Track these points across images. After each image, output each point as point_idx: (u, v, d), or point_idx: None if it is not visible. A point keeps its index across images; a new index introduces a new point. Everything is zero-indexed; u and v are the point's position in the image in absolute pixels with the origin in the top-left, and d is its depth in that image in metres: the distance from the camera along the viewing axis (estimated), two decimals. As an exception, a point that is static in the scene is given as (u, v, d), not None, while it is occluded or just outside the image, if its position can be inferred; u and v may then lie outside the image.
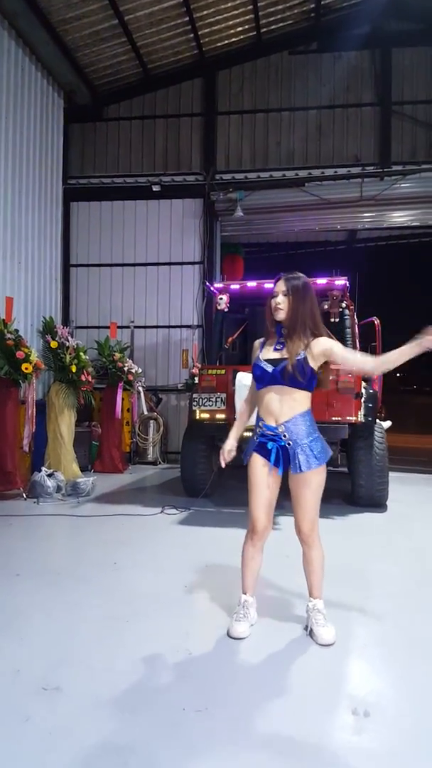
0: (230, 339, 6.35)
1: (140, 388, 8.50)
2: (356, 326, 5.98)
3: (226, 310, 5.97)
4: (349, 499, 5.56)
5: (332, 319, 5.65)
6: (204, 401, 5.17)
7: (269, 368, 2.46)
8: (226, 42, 9.34)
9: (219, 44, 9.35)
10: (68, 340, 6.66)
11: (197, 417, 5.22)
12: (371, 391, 5.38)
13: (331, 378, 2.71)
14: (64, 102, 9.12)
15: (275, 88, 9.53)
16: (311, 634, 2.52)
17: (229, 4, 8.53)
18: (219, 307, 5.97)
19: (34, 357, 5.81)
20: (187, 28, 8.77)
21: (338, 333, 5.71)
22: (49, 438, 6.43)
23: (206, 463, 5.58)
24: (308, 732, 1.84)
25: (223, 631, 2.54)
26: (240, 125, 9.59)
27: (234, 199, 8.99)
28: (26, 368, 5.66)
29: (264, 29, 9.24)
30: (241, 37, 9.32)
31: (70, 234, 9.58)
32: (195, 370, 7.58)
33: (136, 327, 9.39)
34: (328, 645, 2.44)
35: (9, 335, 5.75)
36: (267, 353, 2.53)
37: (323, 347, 2.46)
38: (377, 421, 5.41)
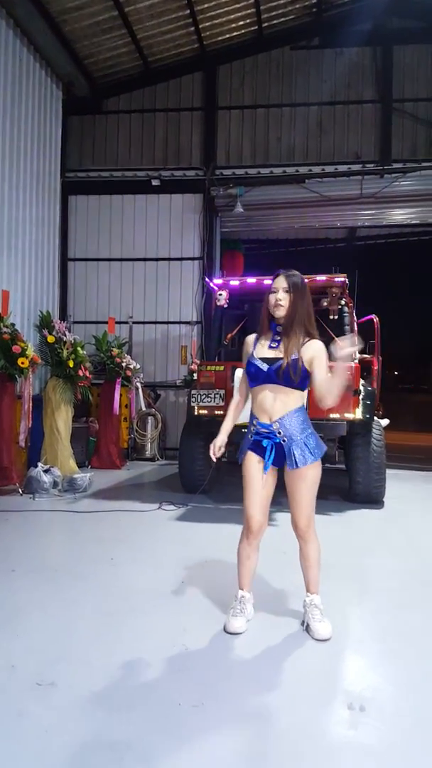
0: (229, 335, 6.32)
1: (138, 384, 8.47)
2: (355, 323, 5.97)
3: (225, 306, 5.95)
4: (346, 496, 5.56)
5: (331, 316, 5.64)
6: (203, 397, 5.15)
7: (264, 367, 2.44)
8: (227, 36, 9.28)
9: (220, 38, 9.29)
10: (65, 335, 6.63)
11: (196, 413, 5.20)
12: (369, 388, 5.37)
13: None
14: (63, 94, 9.04)
15: (276, 84, 9.48)
16: (308, 629, 2.51)
17: (231, -2, 8.48)
18: (218, 303, 5.94)
19: (31, 351, 5.78)
20: (188, 21, 8.70)
21: (337, 330, 5.71)
22: (46, 433, 6.41)
23: (204, 459, 5.56)
24: (304, 727, 1.84)
25: (220, 627, 2.54)
26: (240, 120, 9.54)
27: (234, 194, 8.95)
28: (22, 363, 5.63)
29: (265, 24, 9.19)
30: (243, 31, 9.26)
31: (68, 228, 9.52)
32: (194, 367, 7.56)
33: (134, 323, 9.35)
34: (324, 640, 2.44)
35: (5, 329, 5.73)
36: (261, 351, 2.50)
37: (312, 354, 2.44)
38: (375, 418, 5.41)
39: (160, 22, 8.63)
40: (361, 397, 5.02)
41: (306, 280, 2.60)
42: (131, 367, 7.97)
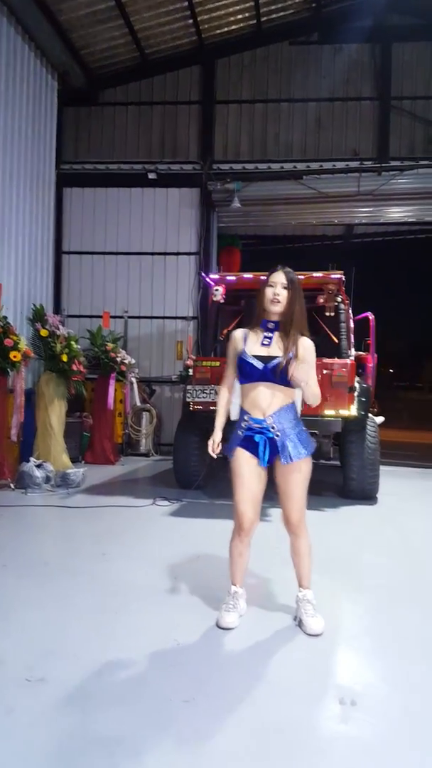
0: (225, 331, 6.30)
1: (133, 379, 8.43)
2: (351, 321, 5.96)
3: (221, 301, 5.91)
4: (340, 492, 5.57)
5: (327, 314, 5.62)
6: (198, 393, 5.13)
7: (259, 365, 2.43)
8: (226, 30, 9.22)
9: (218, 31, 9.21)
10: (59, 329, 6.57)
11: (191, 409, 5.18)
12: (364, 385, 5.37)
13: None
14: (58, 84, 8.93)
15: (274, 79, 9.43)
16: (300, 624, 2.51)
17: (230, -9, 8.42)
18: (214, 299, 5.91)
19: (23, 345, 5.73)
20: (187, 13, 8.63)
21: (333, 327, 5.70)
22: (39, 428, 6.36)
23: (199, 454, 5.55)
24: (296, 721, 1.83)
25: (213, 622, 2.53)
26: (239, 115, 9.49)
27: (231, 189, 8.90)
28: (15, 356, 5.58)
29: (264, 18, 9.12)
30: (241, 25, 9.19)
31: (63, 220, 9.44)
32: (189, 362, 7.52)
33: (129, 317, 9.30)
34: (316, 635, 2.43)
35: (-2, 322, 5.66)
36: (254, 348, 2.48)
37: (302, 353, 2.45)
38: (370, 415, 5.41)
39: (158, 14, 8.55)
40: (356, 394, 5.02)
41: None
42: (126, 362, 7.92)
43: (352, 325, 5.94)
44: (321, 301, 5.58)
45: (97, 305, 9.25)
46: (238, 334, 2.57)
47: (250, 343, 2.50)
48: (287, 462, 2.45)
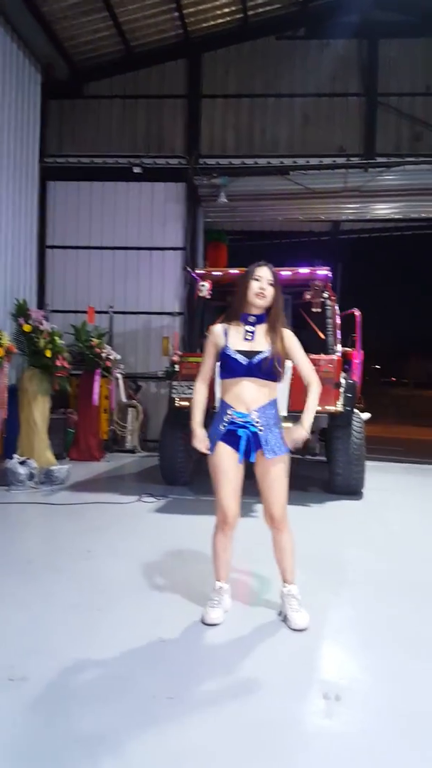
0: (210, 327, 6.26)
1: (119, 375, 8.37)
2: (337, 317, 5.97)
3: (207, 297, 5.88)
4: (326, 487, 5.59)
5: (314, 309, 5.63)
6: (184, 389, 5.09)
7: (243, 360, 2.41)
8: (212, 23, 9.15)
9: (204, 25, 9.15)
10: (42, 324, 6.49)
11: (177, 405, 5.15)
12: (350, 381, 5.39)
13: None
14: (42, 76, 8.80)
15: (261, 74, 9.39)
16: (285, 619, 2.50)
17: (215, -16, 8.35)
18: (200, 294, 5.87)
19: (6, 340, 5.64)
20: (172, 6, 8.55)
21: (319, 323, 5.70)
22: (22, 425, 6.28)
23: (185, 451, 5.52)
24: (280, 717, 1.82)
25: (197, 618, 2.51)
26: (225, 109, 9.43)
27: (218, 184, 8.85)
28: (-2, 351, 5.49)
29: (251, 12, 9.07)
30: (228, 18, 9.13)
31: (47, 214, 9.31)
32: (175, 358, 7.48)
33: (115, 312, 9.22)
34: (301, 630, 2.42)
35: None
36: (236, 342, 2.46)
37: (288, 345, 2.49)
38: (356, 411, 5.43)
39: (143, 6, 8.46)
40: (342, 390, 5.02)
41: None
42: (111, 357, 7.86)
43: (338, 321, 5.95)
44: (307, 297, 5.59)
45: (81, 300, 9.14)
46: (218, 329, 2.54)
47: (231, 337, 2.48)
48: (271, 456, 2.44)
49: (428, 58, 9.11)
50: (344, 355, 5.97)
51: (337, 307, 5.96)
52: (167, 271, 9.23)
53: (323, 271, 5.48)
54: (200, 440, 2.55)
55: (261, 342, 2.45)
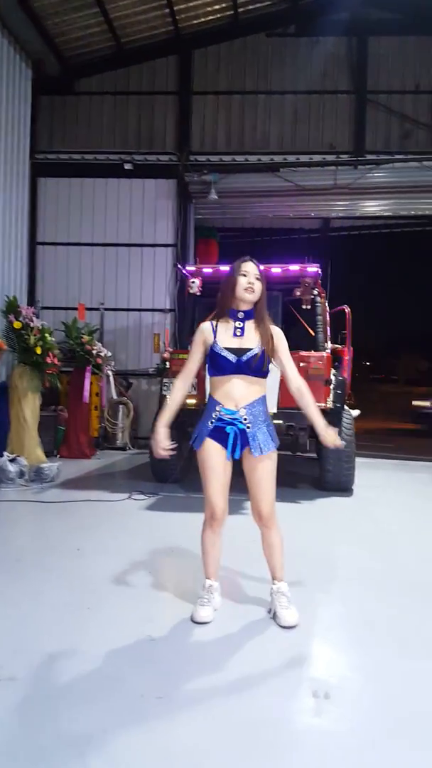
0: (200, 324, 6.25)
1: (110, 372, 8.34)
2: (327, 314, 5.98)
3: (198, 293, 5.87)
4: (316, 484, 5.61)
5: (304, 306, 5.63)
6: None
7: (232, 358, 2.41)
8: (203, 20, 9.11)
9: (195, 21, 9.11)
10: (33, 321, 6.45)
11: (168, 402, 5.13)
12: (340, 378, 5.41)
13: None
14: (33, 72, 8.74)
15: (252, 71, 9.37)
16: (274, 616, 2.50)
17: (206, -19, 8.31)
18: (191, 291, 5.86)
19: (-3, 337, 5.60)
20: (163, 2, 8.51)
21: (309, 320, 5.71)
22: (12, 422, 6.24)
23: (176, 448, 5.50)
24: (269, 716, 1.82)
25: (187, 616, 2.51)
26: (216, 106, 9.41)
27: (208, 181, 8.83)
28: (-12, 349, 5.45)
29: (241, 9, 9.05)
30: (218, 15, 9.10)
31: (37, 211, 9.24)
32: (166, 355, 7.47)
33: (106, 309, 9.18)
34: (290, 627, 2.43)
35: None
36: (225, 340, 2.45)
37: (276, 342, 2.49)
38: (345, 407, 5.45)
39: (134, 2, 8.41)
40: (332, 386, 5.04)
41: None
42: (102, 354, 7.83)
43: (328, 318, 5.97)
44: (297, 293, 5.59)
45: (72, 297, 9.10)
46: (207, 326, 2.53)
47: (220, 334, 2.47)
48: (258, 454, 2.44)
49: (418, 56, 9.15)
50: (334, 352, 5.99)
51: (327, 304, 5.98)
52: (158, 268, 9.21)
53: (313, 268, 5.49)
54: (159, 442, 2.51)
55: (251, 338, 2.45)
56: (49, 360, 6.45)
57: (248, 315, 2.49)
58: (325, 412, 4.95)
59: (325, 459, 5.33)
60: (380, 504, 5.27)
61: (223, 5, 8.92)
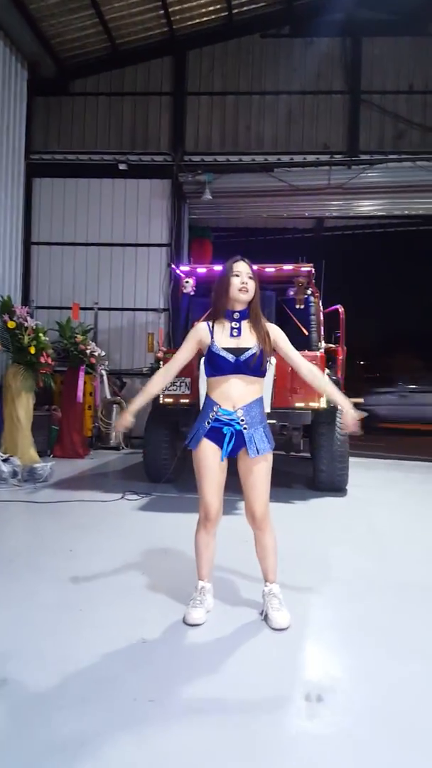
0: (196, 323, 6.25)
1: (103, 372, 8.33)
2: (321, 313, 6.00)
3: (192, 293, 5.87)
4: (310, 484, 5.61)
5: (297, 306, 5.64)
6: (168, 386, 5.08)
7: (230, 358, 2.41)
8: (198, 21, 9.12)
9: (190, 23, 9.11)
10: (27, 321, 6.43)
11: (161, 401, 5.14)
12: (334, 377, 5.42)
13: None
14: (28, 73, 8.72)
15: (246, 71, 9.38)
16: (266, 618, 2.50)
17: (200, -18, 8.32)
18: (185, 291, 5.86)
19: (-10, 337, 5.58)
20: (158, 4, 8.52)
21: (303, 320, 5.72)
22: (5, 422, 6.22)
23: (169, 447, 5.52)
24: (261, 719, 1.81)
25: (179, 618, 2.50)
26: (210, 107, 9.41)
27: (203, 181, 8.85)
28: (-19, 349, 5.43)
29: (236, 10, 9.06)
30: (213, 17, 9.11)
31: (32, 211, 9.23)
32: (160, 354, 7.46)
33: (100, 309, 9.17)
34: (282, 629, 2.42)
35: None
36: (222, 340, 2.45)
37: (274, 338, 2.50)
38: (339, 407, 5.45)
39: (129, 4, 8.42)
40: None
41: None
42: (96, 354, 7.81)
43: (321, 317, 5.98)
44: (291, 293, 5.60)
45: (66, 297, 9.08)
46: (203, 326, 2.52)
47: (217, 335, 2.47)
48: (255, 455, 2.44)
49: (411, 57, 9.18)
50: (328, 351, 6.00)
51: (320, 304, 5.99)
52: (152, 268, 9.20)
53: (307, 268, 5.50)
54: (122, 422, 2.54)
55: (247, 338, 2.45)
56: (42, 360, 6.43)
57: (243, 315, 2.49)
58: (318, 412, 4.98)
59: (318, 459, 5.34)
60: (374, 504, 5.27)
61: (218, 6, 8.93)
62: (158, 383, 2.60)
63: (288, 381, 4.81)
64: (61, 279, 9.27)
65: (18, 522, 4.38)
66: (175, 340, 6.97)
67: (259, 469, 2.48)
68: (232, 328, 2.47)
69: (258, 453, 2.44)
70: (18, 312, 6.50)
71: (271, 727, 1.77)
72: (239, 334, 2.46)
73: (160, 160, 9.16)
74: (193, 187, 8.99)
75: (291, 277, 5.55)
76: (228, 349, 2.42)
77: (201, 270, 5.88)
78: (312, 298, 5.67)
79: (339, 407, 2.53)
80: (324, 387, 2.60)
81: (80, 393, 7.52)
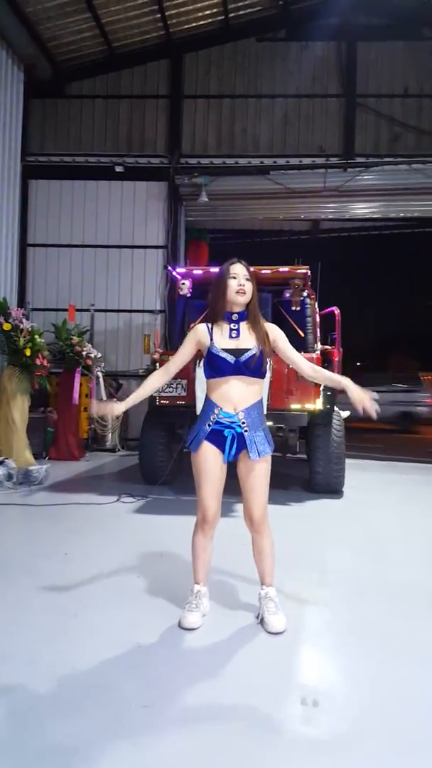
0: (192, 325, 6.24)
1: (99, 374, 8.30)
2: (317, 315, 6.00)
3: (188, 295, 5.87)
4: (306, 486, 5.60)
5: (293, 308, 5.64)
6: (164, 387, 5.06)
7: (230, 359, 2.40)
8: (194, 25, 9.15)
9: (186, 26, 9.14)
10: (22, 322, 6.41)
11: (157, 403, 5.12)
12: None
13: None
14: (24, 76, 8.72)
15: (242, 75, 9.41)
16: (262, 622, 2.48)
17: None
18: (181, 293, 5.86)
19: (-14, 339, 5.56)
20: (154, 8, 8.54)
21: (299, 322, 5.72)
22: (1, 424, 6.19)
23: (166, 449, 5.50)
24: (257, 724, 1.80)
25: (175, 622, 2.47)
26: (206, 110, 9.43)
27: (199, 183, 8.85)
28: (-24, 351, 5.41)
29: (232, 14, 9.09)
30: (209, 20, 9.14)
31: (28, 212, 9.22)
32: (156, 356, 7.45)
33: (96, 310, 9.15)
34: (278, 633, 2.40)
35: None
36: (221, 341, 2.44)
37: (273, 337, 2.50)
38: (335, 409, 5.46)
39: (126, 8, 8.43)
40: (321, 388, 5.04)
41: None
42: (92, 355, 7.80)
43: (318, 319, 5.98)
44: (287, 295, 5.60)
45: (62, 298, 9.07)
46: (202, 327, 2.51)
47: (216, 336, 2.46)
48: (256, 457, 2.43)
49: (406, 61, 9.23)
50: (324, 353, 6.00)
51: (316, 306, 5.99)
52: (148, 270, 9.20)
53: (303, 270, 5.50)
54: (107, 408, 2.51)
55: (247, 339, 2.45)
56: (38, 362, 6.41)
57: (242, 316, 2.48)
58: (314, 414, 4.97)
59: (314, 461, 5.33)
60: (370, 506, 5.27)
61: (214, 10, 8.95)
62: (155, 382, 2.58)
63: (284, 383, 4.80)
64: (57, 281, 9.25)
65: (13, 525, 4.35)
66: (171, 342, 6.96)
67: (259, 471, 2.47)
68: (231, 330, 2.46)
69: (259, 455, 2.43)
70: (14, 314, 6.47)
71: (266, 732, 1.75)
72: (238, 335, 2.45)
73: (157, 162, 9.17)
74: (190, 189, 9.00)
75: (287, 279, 5.55)
76: (228, 350, 2.41)
77: (197, 272, 5.88)
78: (308, 300, 5.67)
79: (344, 391, 2.47)
80: (327, 378, 2.56)
81: (76, 395, 7.50)
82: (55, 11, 8.11)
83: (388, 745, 1.71)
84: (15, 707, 1.85)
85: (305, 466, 5.74)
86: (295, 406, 4.84)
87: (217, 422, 2.44)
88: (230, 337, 2.45)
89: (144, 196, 9.21)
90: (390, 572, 3.35)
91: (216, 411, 2.45)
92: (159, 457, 5.50)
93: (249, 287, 2.45)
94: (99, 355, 8.14)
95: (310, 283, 5.75)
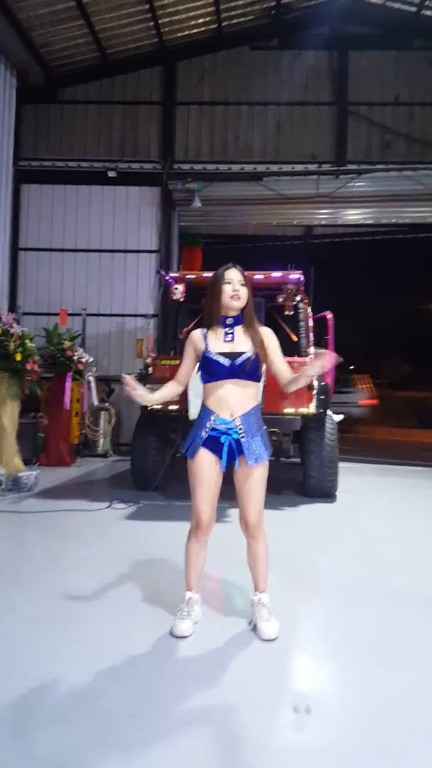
0: (185, 329, 6.22)
1: (91, 378, 8.24)
2: (310, 320, 6.00)
3: (181, 300, 5.84)
4: (300, 490, 5.57)
5: (286, 313, 5.64)
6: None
7: (226, 362, 2.38)
8: (187, 33, 9.20)
9: (179, 34, 9.18)
10: (13, 327, 6.33)
11: (149, 408, 5.07)
12: (323, 383, 5.40)
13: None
14: (17, 81, 8.71)
15: (235, 82, 9.46)
16: (255, 629, 2.44)
17: (190, -5, 8.39)
18: (174, 297, 5.83)
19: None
20: (148, 15, 8.58)
21: (292, 326, 5.72)
22: (-9, 430, 6.09)
23: (158, 455, 5.45)
24: (249, 733, 1.75)
25: (166, 630, 2.42)
26: (199, 116, 9.47)
27: (192, 189, 8.87)
28: (-34, 355, 5.33)
29: (225, 23, 9.16)
30: (202, 28, 9.19)
31: (20, 217, 9.18)
32: (149, 360, 7.42)
33: (88, 315, 9.11)
34: (271, 640, 2.36)
35: None
36: (217, 345, 2.43)
37: (268, 341, 2.48)
38: (329, 413, 5.45)
39: (119, 15, 8.47)
40: (315, 392, 5.03)
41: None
42: (83, 360, 7.73)
43: (311, 323, 5.98)
44: (280, 300, 5.60)
45: (54, 303, 9.01)
46: (197, 333, 2.51)
47: (211, 341, 2.45)
48: (253, 463, 2.40)
49: (396, 70, 9.33)
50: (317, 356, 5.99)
51: (309, 310, 6.00)
52: (141, 274, 9.18)
53: (296, 275, 5.50)
54: (135, 385, 2.47)
55: (242, 342, 2.43)
56: (29, 366, 6.33)
57: (237, 320, 2.47)
58: (307, 418, 4.95)
59: (308, 465, 5.31)
60: (363, 510, 5.24)
61: (207, 19, 9.01)
62: (173, 390, 2.60)
63: (278, 387, 4.77)
64: (49, 285, 9.20)
65: (1, 532, 4.28)
66: (163, 347, 6.93)
67: (256, 476, 2.44)
68: (226, 334, 2.45)
69: (257, 461, 2.41)
70: (4, 318, 6.39)
71: (259, 740, 1.71)
72: (233, 339, 2.44)
73: (150, 168, 9.17)
74: (183, 194, 9.01)
75: (280, 283, 5.55)
76: (223, 354, 2.40)
77: (190, 276, 5.86)
78: (301, 305, 5.67)
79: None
80: (299, 381, 2.49)
81: (67, 400, 7.43)
82: (48, 18, 8.12)
83: (380, 752, 1.67)
84: (1, 718, 1.79)
85: (299, 470, 5.71)
86: (288, 410, 4.82)
87: (213, 428, 2.41)
88: (225, 340, 2.44)
89: (137, 201, 9.21)
90: (383, 577, 3.32)
91: (212, 417, 2.42)
92: (151, 462, 5.45)
93: (244, 292, 2.44)
94: (91, 359, 8.08)
95: (303, 287, 5.74)
